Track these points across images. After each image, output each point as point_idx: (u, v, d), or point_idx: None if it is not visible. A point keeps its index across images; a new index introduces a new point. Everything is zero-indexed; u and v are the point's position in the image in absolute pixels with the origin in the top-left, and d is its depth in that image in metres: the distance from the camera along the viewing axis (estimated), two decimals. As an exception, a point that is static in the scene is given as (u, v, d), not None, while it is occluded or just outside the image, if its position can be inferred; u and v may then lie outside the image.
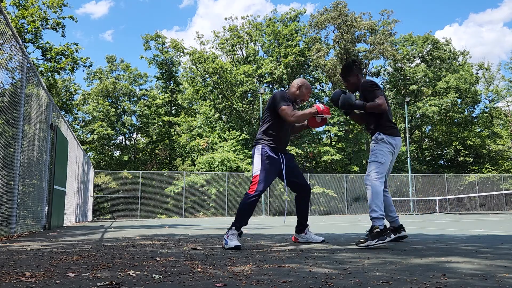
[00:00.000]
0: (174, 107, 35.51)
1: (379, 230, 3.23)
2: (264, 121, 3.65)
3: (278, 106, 3.46)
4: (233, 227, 3.40)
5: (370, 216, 3.34)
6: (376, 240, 3.18)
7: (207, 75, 31.00)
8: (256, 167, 3.49)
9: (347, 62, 3.82)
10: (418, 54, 35.11)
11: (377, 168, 3.50)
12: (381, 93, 3.50)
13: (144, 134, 32.74)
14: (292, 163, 3.74)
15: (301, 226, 3.88)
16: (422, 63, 35.04)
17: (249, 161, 28.09)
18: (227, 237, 3.32)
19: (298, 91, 3.63)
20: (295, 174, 3.72)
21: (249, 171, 25.90)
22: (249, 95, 31.29)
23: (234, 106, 30.77)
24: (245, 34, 32.90)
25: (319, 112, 3.47)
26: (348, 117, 3.94)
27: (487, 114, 35.93)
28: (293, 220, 12.55)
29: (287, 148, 3.82)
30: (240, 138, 28.83)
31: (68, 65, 17.92)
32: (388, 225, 3.66)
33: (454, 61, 36.08)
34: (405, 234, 3.74)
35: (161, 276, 1.86)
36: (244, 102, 31.36)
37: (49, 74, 18.03)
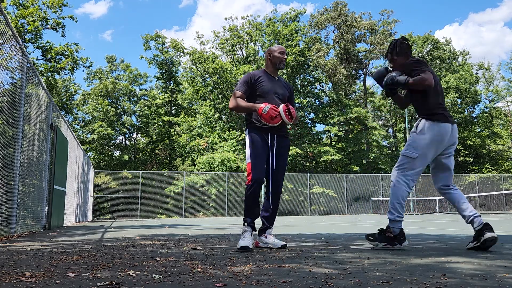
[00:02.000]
0: (174, 107, 35.51)
1: (391, 235, 3.02)
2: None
3: (235, 88, 3.39)
4: (244, 223, 3.27)
5: (388, 216, 3.05)
6: (384, 243, 3.03)
7: (207, 75, 31.01)
8: (247, 154, 3.31)
9: (396, 40, 3.32)
10: (418, 54, 35.10)
11: (407, 163, 3.02)
12: (429, 69, 3.00)
13: (144, 134, 32.75)
14: (282, 151, 3.40)
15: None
16: (422, 63, 35.01)
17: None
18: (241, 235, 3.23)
19: (271, 60, 3.48)
20: (277, 165, 3.38)
21: (249, 171, 25.89)
22: (249, 95, 31.26)
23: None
24: (245, 34, 32.89)
25: (260, 114, 3.18)
26: (390, 99, 3.50)
27: (487, 114, 35.92)
28: (292, 220, 12.55)
29: (283, 130, 3.42)
30: (240, 138, 28.82)
31: (68, 65, 17.92)
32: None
33: (454, 61, 36.08)
34: (492, 235, 2.81)
35: (161, 276, 1.86)
36: (244, 102, 31.34)
37: (49, 74, 18.02)
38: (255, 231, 3.30)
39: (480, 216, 2.92)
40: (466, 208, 2.98)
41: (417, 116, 3.12)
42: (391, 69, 3.30)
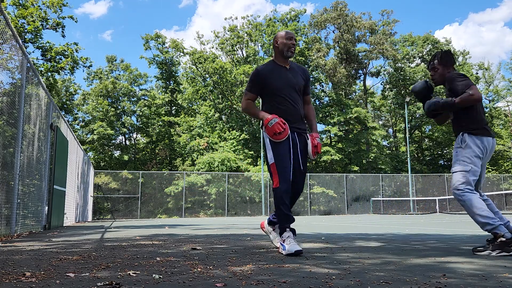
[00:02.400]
0: (174, 107, 35.51)
1: (504, 239, 2.73)
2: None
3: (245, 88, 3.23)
4: (283, 232, 2.91)
5: (485, 229, 2.80)
6: (499, 251, 2.73)
7: (207, 75, 31.01)
8: (269, 155, 2.99)
9: (442, 50, 3.25)
10: (418, 54, 35.12)
11: (464, 178, 2.92)
12: (472, 83, 2.96)
13: (144, 134, 32.75)
14: (304, 149, 3.11)
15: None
16: (422, 63, 35.04)
17: (249, 161, 28.11)
18: (282, 241, 2.86)
19: (278, 47, 3.18)
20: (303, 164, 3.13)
21: (249, 171, 25.91)
22: (249, 95, 31.27)
23: (234, 106, 30.77)
24: (245, 34, 32.90)
25: (265, 125, 2.93)
26: (432, 119, 3.28)
27: (487, 114, 35.92)
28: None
29: (302, 128, 3.16)
30: (240, 138, 28.82)
31: (68, 65, 17.92)
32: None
33: (454, 61, 36.04)
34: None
35: (161, 276, 1.86)
36: (244, 102, 31.34)
37: (49, 74, 18.02)
38: (295, 235, 3.01)
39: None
40: (500, 217, 2.91)
41: (456, 129, 3.08)
42: (432, 79, 3.26)
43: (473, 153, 2.94)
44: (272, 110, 3.05)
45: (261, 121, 3.06)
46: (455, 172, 2.97)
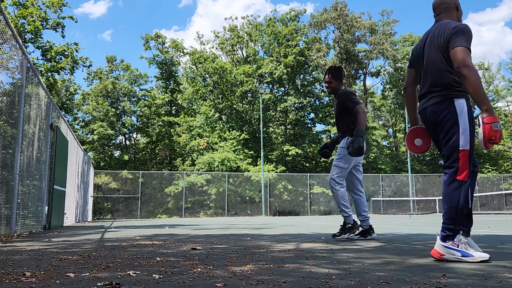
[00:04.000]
0: (174, 107, 35.51)
1: (350, 225, 4.06)
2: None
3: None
4: (463, 235, 2.35)
5: (342, 215, 4.09)
6: (349, 233, 4.02)
7: (207, 75, 31.00)
8: (465, 138, 2.34)
9: (339, 67, 4.25)
10: (418, 54, 35.07)
11: (341, 173, 4.07)
12: (359, 101, 4.09)
13: (144, 134, 32.74)
14: None
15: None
16: (422, 63, 35.02)
17: (249, 161, 28.09)
18: (464, 249, 2.28)
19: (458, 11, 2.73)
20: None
21: (249, 171, 25.90)
22: (249, 95, 31.29)
23: (234, 106, 30.78)
24: (245, 34, 32.90)
25: (490, 123, 2.25)
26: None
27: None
28: (292, 220, 12.55)
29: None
30: (240, 138, 28.82)
31: (68, 65, 17.92)
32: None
33: (454, 61, 36.04)
34: (375, 236, 4.11)
35: (161, 276, 1.86)
36: (244, 102, 31.36)
37: (49, 74, 18.02)
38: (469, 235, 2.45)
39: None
40: (366, 210, 4.15)
41: (343, 132, 4.15)
42: (327, 88, 4.26)
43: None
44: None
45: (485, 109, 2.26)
46: (337, 166, 4.07)
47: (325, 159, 28.41)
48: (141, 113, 32.35)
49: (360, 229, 4.06)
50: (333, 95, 4.50)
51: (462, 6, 2.76)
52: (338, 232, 4.10)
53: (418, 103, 2.65)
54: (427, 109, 2.48)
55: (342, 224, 4.36)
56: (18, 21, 16.54)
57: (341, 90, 4.18)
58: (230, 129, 29.86)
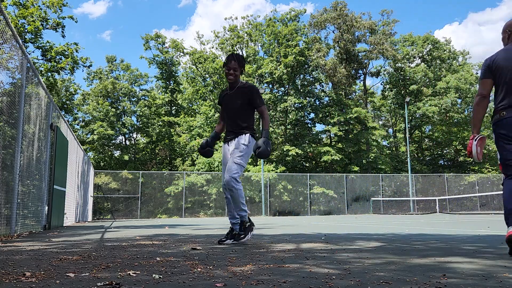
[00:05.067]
0: (174, 107, 35.51)
1: (248, 223, 3.77)
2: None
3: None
4: None
5: (240, 214, 3.74)
6: (250, 232, 3.75)
7: (207, 75, 31.01)
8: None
9: (242, 55, 3.97)
10: (418, 54, 35.12)
11: (241, 170, 3.74)
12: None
13: (144, 134, 32.74)
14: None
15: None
16: (422, 63, 35.05)
17: (250, 161, 28.06)
18: None
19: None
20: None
21: (249, 171, 25.90)
22: (249, 95, 31.26)
23: (234, 106, 30.76)
24: (245, 34, 32.90)
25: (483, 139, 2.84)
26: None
27: (487, 114, 35.93)
28: (292, 220, 12.55)
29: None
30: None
31: (68, 65, 17.91)
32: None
33: (454, 61, 36.08)
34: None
35: (161, 276, 1.86)
36: (244, 102, 31.33)
37: (49, 74, 18.01)
38: None
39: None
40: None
41: (241, 129, 3.81)
42: (230, 76, 3.81)
43: (250, 152, 3.78)
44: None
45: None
46: (239, 164, 3.71)
47: (324, 160, 28.44)
48: (141, 113, 32.36)
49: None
50: (230, 86, 3.92)
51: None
52: (242, 234, 3.69)
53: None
54: None
55: (232, 227, 3.82)
56: (18, 21, 16.53)
57: (246, 83, 3.87)
58: (230, 129, 29.84)
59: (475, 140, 2.80)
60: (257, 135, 3.88)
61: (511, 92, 2.70)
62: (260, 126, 3.91)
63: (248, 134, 3.80)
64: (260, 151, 3.57)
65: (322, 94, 32.10)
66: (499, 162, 2.82)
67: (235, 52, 4.23)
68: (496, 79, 2.79)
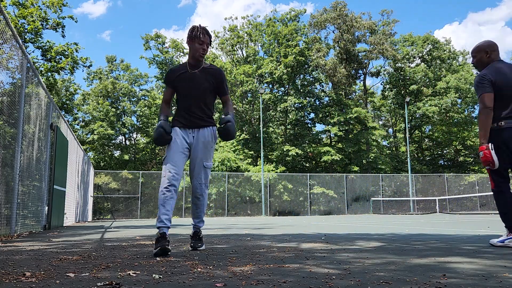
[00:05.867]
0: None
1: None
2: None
3: None
4: None
5: (202, 224, 3.39)
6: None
7: (207, 75, 30.97)
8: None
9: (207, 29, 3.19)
10: (418, 54, 35.11)
11: (209, 174, 3.25)
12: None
13: (144, 134, 32.74)
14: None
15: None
16: (422, 63, 35.04)
17: (249, 161, 28.07)
18: None
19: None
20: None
21: (249, 171, 25.88)
22: (249, 95, 31.29)
23: (234, 106, 30.76)
24: (245, 34, 32.90)
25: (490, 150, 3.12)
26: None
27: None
28: (292, 220, 12.55)
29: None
30: (240, 138, 28.82)
31: (68, 65, 17.91)
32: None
33: (454, 61, 36.07)
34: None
35: (161, 276, 1.86)
36: (244, 102, 31.36)
37: (49, 74, 18.01)
38: None
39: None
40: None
41: (206, 122, 3.13)
42: (201, 53, 3.09)
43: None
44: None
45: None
46: (209, 168, 3.17)
47: (324, 160, 28.45)
48: (141, 113, 32.36)
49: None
50: (196, 66, 3.13)
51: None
52: (199, 244, 3.28)
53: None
54: None
55: (194, 233, 3.42)
56: (18, 21, 16.53)
57: (211, 64, 3.22)
58: (230, 129, 29.84)
59: (492, 149, 3.03)
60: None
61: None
62: (222, 113, 3.17)
63: (215, 127, 3.17)
64: (229, 126, 3.01)
65: (322, 94, 32.11)
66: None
67: (200, 25, 3.02)
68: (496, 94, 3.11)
